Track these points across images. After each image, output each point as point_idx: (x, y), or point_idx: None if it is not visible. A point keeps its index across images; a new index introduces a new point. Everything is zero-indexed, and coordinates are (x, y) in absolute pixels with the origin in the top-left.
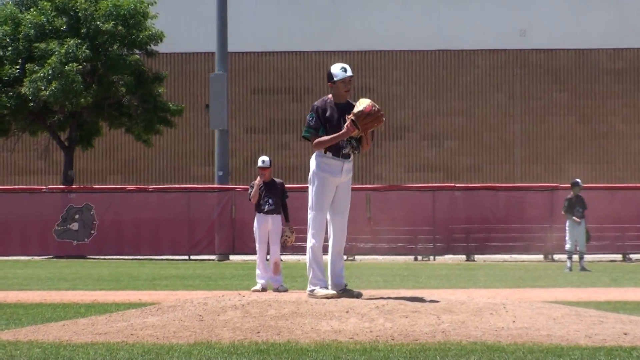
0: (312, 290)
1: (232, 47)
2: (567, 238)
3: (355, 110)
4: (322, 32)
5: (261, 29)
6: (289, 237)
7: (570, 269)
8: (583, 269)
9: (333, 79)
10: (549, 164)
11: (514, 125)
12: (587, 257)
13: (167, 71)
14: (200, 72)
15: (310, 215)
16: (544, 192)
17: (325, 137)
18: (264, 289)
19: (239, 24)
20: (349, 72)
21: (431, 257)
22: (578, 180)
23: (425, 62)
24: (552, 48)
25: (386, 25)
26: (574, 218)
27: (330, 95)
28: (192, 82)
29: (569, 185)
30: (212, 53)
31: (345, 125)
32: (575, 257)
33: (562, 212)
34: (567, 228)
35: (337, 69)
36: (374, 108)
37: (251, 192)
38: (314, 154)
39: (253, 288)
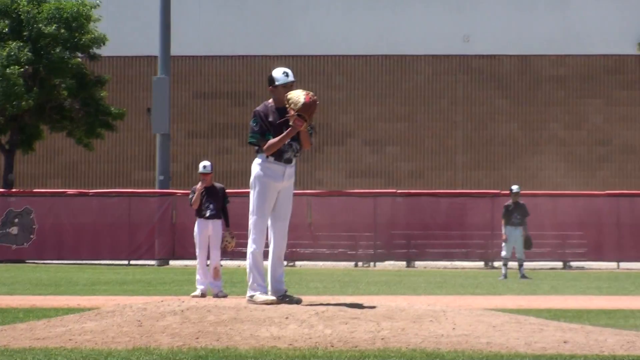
0: (252, 296)
1: (175, 50)
2: (503, 245)
3: (296, 104)
4: (266, 36)
5: (204, 33)
6: (229, 242)
7: (505, 276)
8: (523, 276)
9: (274, 82)
10: (490, 170)
11: (456, 131)
12: (528, 264)
13: (110, 75)
14: (142, 75)
15: (251, 220)
16: (485, 198)
17: (274, 139)
18: (203, 295)
19: (182, 27)
20: (291, 77)
21: (372, 264)
22: (515, 187)
23: (369, 67)
24: (495, 54)
25: (330, 29)
26: (503, 232)
27: (271, 100)
28: (134, 86)
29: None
30: (155, 57)
31: (292, 122)
32: (514, 264)
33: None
34: (503, 235)
35: (278, 73)
36: (310, 95)
37: (192, 197)
38: (256, 159)
39: (192, 294)
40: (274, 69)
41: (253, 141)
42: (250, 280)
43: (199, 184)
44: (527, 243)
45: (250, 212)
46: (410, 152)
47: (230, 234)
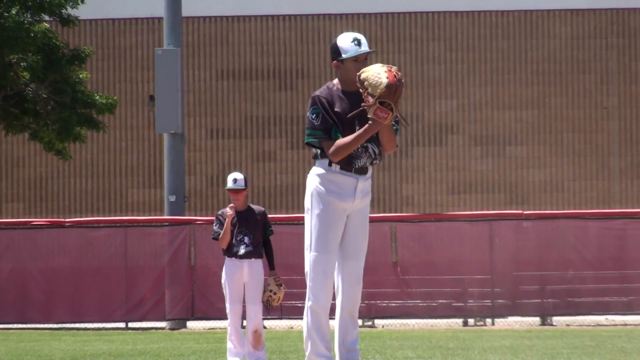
0: None
1: (188, 9)
2: None
3: (376, 86)
4: None
5: None
6: (274, 294)
7: None
8: None
9: (341, 55)
10: None
11: (610, 121)
12: None
13: (92, 47)
14: (141, 47)
15: (309, 259)
16: None
17: (344, 140)
18: None
19: None
20: (365, 47)
21: (488, 320)
22: None
23: (477, 28)
24: None
25: None
26: None
27: (336, 81)
28: (129, 63)
29: None
30: (159, 19)
31: (372, 114)
32: None
33: None
34: None
35: (347, 42)
36: (394, 71)
37: (218, 228)
38: (314, 168)
39: None
40: (339, 35)
41: (313, 141)
42: (309, 348)
43: (228, 207)
44: None
45: (306, 247)
46: (542, 153)
47: (275, 281)
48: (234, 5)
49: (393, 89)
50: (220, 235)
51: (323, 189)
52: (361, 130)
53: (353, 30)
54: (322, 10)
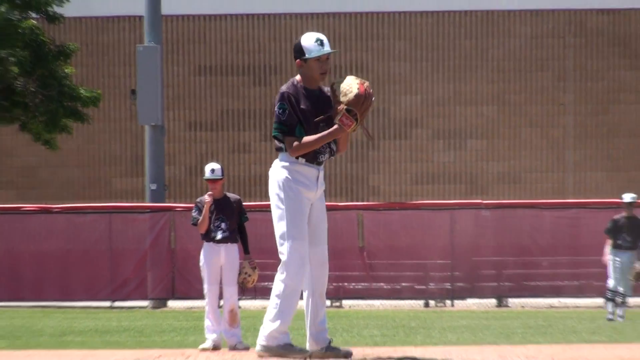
0: (272, 348)
1: (167, 8)
2: (609, 271)
3: (346, 94)
4: None
5: None
6: (249, 276)
7: (613, 314)
8: (619, 315)
9: (304, 55)
10: (613, 172)
11: (566, 117)
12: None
13: (77, 43)
14: (123, 44)
15: (286, 246)
16: (607, 210)
17: (310, 138)
18: (216, 347)
19: None
20: (327, 47)
21: (448, 302)
22: (631, 196)
23: (441, 28)
24: (620, 7)
25: None
26: (606, 256)
27: (298, 77)
28: (112, 59)
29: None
30: (140, 17)
31: (338, 120)
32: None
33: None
34: (605, 257)
35: (310, 42)
36: (365, 85)
37: (197, 214)
38: (279, 160)
39: (201, 346)
40: (303, 34)
41: (278, 135)
42: (276, 324)
43: (206, 195)
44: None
45: (280, 237)
46: (501, 147)
47: (250, 264)
48: (211, 4)
49: (361, 99)
50: (199, 221)
51: (292, 180)
52: (325, 133)
53: (322, 29)
54: (293, 9)
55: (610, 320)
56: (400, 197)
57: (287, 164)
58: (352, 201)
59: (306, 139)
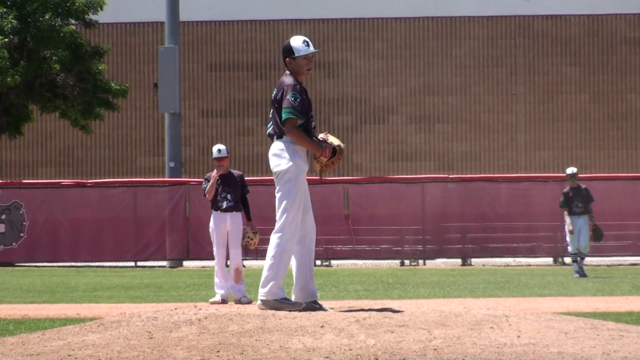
0: (271, 302)
1: (184, 15)
2: (568, 238)
3: (333, 142)
4: None
5: None
6: (251, 239)
7: (580, 273)
8: (581, 273)
9: (294, 54)
10: (558, 151)
11: (517, 105)
12: (604, 259)
13: (109, 45)
14: (147, 45)
15: (288, 217)
16: (553, 183)
17: (304, 138)
18: (224, 301)
19: None
20: (312, 47)
21: (420, 262)
22: (570, 169)
23: (413, 31)
24: (562, 13)
25: None
26: (568, 226)
27: (289, 74)
28: (138, 58)
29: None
30: (162, 23)
31: (324, 146)
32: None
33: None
34: (565, 226)
35: (299, 42)
36: (343, 147)
37: (206, 186)
38: (280, 142)
39: (211, 300)
40: (292, 37)
41: (292, 117)
42: (275, 280)
43: (214, 171)
44: (596, 234)
45: (285, 208)
46: (463, 130)
47: (252, 229)
48: (221, 12)
49: (341, 153)
50: (207, 189)
51: (298, 156)
52: (314, 143)
53: (312, 32)
54: (288, 16)
55: (577, 276)
56: (380, 172)
57: (288, 143)
58: (339, 176)
59: (304, 136)
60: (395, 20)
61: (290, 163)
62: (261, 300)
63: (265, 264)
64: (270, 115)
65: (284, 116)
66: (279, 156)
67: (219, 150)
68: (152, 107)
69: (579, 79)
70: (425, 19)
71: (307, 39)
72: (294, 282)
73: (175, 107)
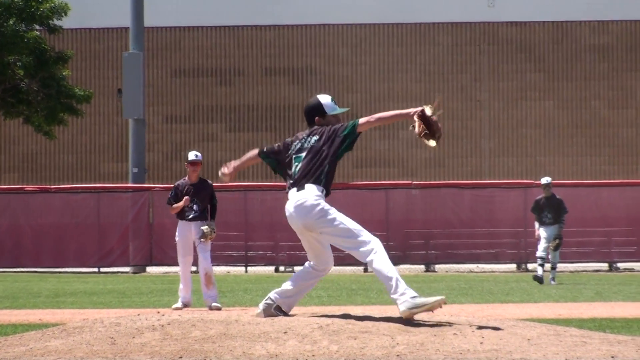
0: (415, 306)
1: (148, 21)
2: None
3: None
4: (256, 3)
5: (183, 1)
6: (209, 234)
7: (541, 277)
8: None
9: (325, 112)
10: (522, 157)
11: (481, 111)
12: (567, 266)
13: (73, 50)
14: (112, 51)
15: (359, 237)
16: (517, 189)
17: (382, 114)
18: (185, 306)
19: None
20: (341, 107)
21: None
22: (545, 179)
23: (377, 37)
24: (526, 20)
25: None
26: (537, 231)
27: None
28: (102, 63)
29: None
30: (126, 28)
31: (408, 111)
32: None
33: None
34: (536, 231)
35: (328, 100)
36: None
37: (173, 198)
38: (312, 191)
39: (174, 305)
40: (316, 96)
41: (357, 120)
42: (408, 292)
43: (185, 178)
44: (557, 246)
45: (346, 230)
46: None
47: (210, 226)
48: (185, 18)
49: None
50: (172, 208)
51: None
52: (394, 113)
53: (278, 39)
54: (253, 22)
55: (536, 279)
56: (344, 178)
57: (319, 193)
58: None
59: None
60: (360, 27)
61: (320, 199)
62: (405, 309)
63: (386, 285)
64: (299, 163)
65: (352, 123)
66: (314, 196)
67: (196, 155)
68: (116, 113)
69: (544, 86)
70: (390, 25)
71: (333, 98)
72: (285, 288)
73: (139, 112)
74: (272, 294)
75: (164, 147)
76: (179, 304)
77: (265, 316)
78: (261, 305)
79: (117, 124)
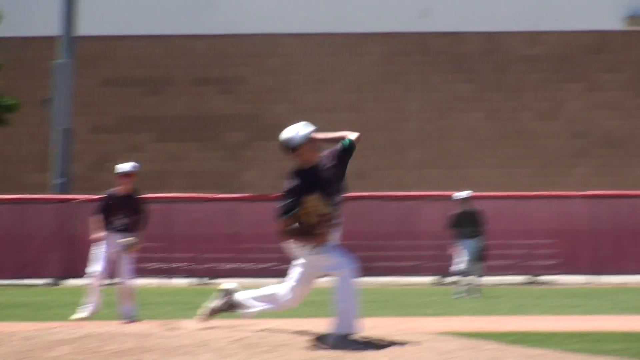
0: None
1: (80, 29)
2: (458, 257)
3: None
4: (187, 12)
5: (115, 9)
6: (133, 245)
7: (461, 291)
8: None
9: (295, 145)
10: (448, 169)
11: (409, 122)
12: (490, 279)
13: (2, 59)
14: (39, 60)
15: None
16: (439, 201)
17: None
18: (93, 313)
19: (88, 1)
20: (308, 126)
21: None
22: (465, 193)
23: (308, 47)
24: (457, 31)
25: (261, 3)
26: (456, 247)
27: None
28: (30, 72)
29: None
30: (56, 37)
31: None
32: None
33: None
34: (456, 246)
35: (292, 133)
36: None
37: (101, 212)
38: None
39: (77, 315)
40: (288, 129)
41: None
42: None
43: (115, 189)
44: (479, 259)
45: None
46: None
47: (136, 237)
48: (115, 27)
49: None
50: (95, 229)
51: None
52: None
53: (208, 48)
54: (184, 31)
55: (459, 293)
56: (269, 190)
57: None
58: (228, 194)
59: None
60: (290, 37)
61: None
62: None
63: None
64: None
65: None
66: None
67: (134, 167)
68: (40, 123)
69: (473, 97)
70: (320, 35)
71: (298, 125)
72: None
73: (67, 122)
74: (239, 294)
75: (90, 158)
76: (83, 314)
77: (219, 308)
78: (218, 301)
79: (40, 134)
